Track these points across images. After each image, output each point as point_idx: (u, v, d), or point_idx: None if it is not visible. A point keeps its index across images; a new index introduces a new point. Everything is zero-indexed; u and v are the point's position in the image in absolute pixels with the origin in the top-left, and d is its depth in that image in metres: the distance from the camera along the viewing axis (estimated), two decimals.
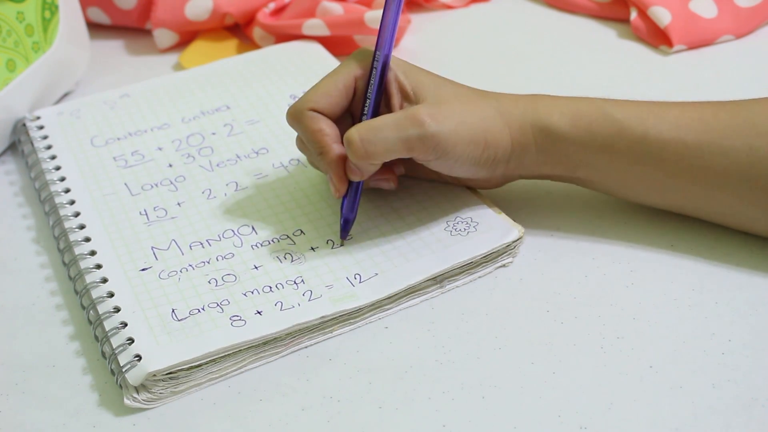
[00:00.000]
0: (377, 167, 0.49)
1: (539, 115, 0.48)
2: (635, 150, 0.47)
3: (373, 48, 0.50)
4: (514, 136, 0.48)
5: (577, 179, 0.50)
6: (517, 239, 0.50)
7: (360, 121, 0.49)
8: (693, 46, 0.71)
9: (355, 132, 0.46)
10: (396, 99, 0.49)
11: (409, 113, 0.47)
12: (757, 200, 0.47)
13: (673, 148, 0.47)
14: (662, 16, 0.70)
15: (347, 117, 0.51)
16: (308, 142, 0.50)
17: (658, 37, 0.71)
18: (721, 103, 0.48)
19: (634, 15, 0.73)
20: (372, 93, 0.49)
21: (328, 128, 0.49)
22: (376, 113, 0.50)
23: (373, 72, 0.49)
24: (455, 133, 0.46)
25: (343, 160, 0.49)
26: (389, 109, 0.50)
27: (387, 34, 0.49)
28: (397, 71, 0.49)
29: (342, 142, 0.48)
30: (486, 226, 0.51)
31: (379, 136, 0.46)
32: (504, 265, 0.50)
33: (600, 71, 0.69)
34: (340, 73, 0.50)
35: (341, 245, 0.50)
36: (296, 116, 0.49)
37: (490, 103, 0.49)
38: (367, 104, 0.49)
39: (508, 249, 0.50)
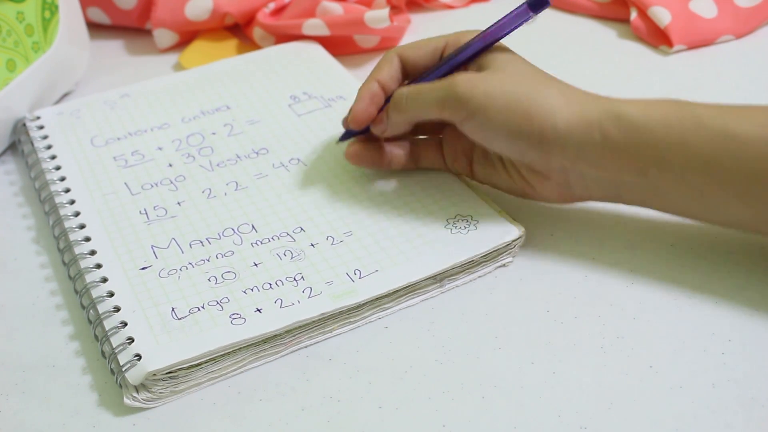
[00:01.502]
0: (407, 128, 0.52)
1: (611, 102, 0.46)
2: (714, 145, 0.43)
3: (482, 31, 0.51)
4: (572, 118, 0.46)
5: (647, 197, 0.47)
6: (518, 238, 0.50)
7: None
8: (693, 46, 0.71)
9: (405, 89, 0.51)
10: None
11: (450, 77, 0.49)
12: None
13: (757, 147, 0.43)
14: (662, 16, 0.70)
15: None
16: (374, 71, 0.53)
17: (658, 37, 0.71)
18: None
19: (634, 15, 0.73)
20: (444, 65, 0.51)
21: (393, 70, 0.53)
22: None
23: (462, 48, 0.51)
24: (488, 96, 0.47)
25: (371, 98, 0.52)
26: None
27: (492, 34, 0.50)
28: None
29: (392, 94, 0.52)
30: (486, 225, 0.51)
31: (421, 96, 0.50)
32: (504, 265, 0.50)
33: (600, 71, 0.69)
34: (438, 37, 0.53)
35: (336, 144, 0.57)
36: (386, 55, 0.53)
37: (555, 84, 0.48)
38: (438, 68, 0.51)
39: (508, 248, 0.50)
